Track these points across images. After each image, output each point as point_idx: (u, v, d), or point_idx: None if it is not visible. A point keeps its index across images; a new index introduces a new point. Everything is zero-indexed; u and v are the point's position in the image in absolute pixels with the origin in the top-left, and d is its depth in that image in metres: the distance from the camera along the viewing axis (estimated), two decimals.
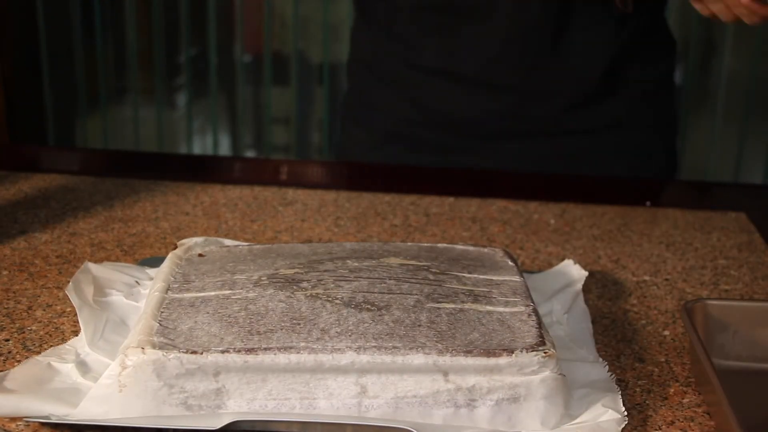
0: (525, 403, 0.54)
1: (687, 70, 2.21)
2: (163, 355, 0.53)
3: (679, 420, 0.57)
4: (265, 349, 0.54)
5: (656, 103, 1.13)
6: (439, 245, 0.71)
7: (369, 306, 0.58)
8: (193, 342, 0.55)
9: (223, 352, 0.54)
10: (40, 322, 0.67)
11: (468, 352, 0.54)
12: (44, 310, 0.68)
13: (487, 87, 1.06)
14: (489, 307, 0.60)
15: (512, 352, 0.54)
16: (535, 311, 0.60)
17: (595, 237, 0.87)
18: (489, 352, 0.54)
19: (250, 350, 0.54)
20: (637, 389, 0.61)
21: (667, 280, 0.78)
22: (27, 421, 0.54)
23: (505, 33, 1.03)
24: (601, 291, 0.75)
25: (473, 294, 0.61)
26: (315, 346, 0.54)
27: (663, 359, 0.65)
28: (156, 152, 2.24)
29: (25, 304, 0.70)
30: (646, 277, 0.79)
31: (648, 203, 0.83)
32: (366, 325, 0.56)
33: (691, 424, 0.57)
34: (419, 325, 0.56)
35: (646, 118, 1.12)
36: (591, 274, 0.71)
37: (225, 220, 0.88)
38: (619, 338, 0.68)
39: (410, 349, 0.54)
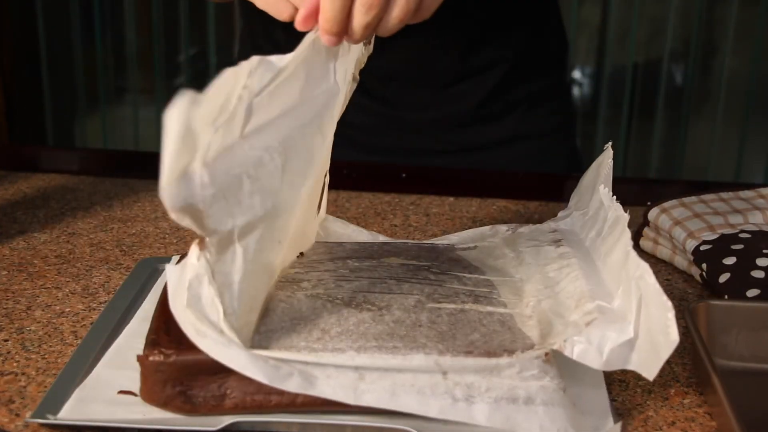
0: (524, 406, 0.53)
1: (687, 70, 2.21)
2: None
3: (680, 420, 0.57)
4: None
5: (547, 112, 1.13)
6: (440, 245, 0.71)
7: (369, 306, 0.58)
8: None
9: None
10: (39, 322, 0.66)
11: (468, 353, 0.53)
12: (43, 310, 0.68)
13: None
14: (490, 308, 0.59)
15: (513, 353, 0.53)
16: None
17: None
18: (489, 353, 0.53)
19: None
20: (638, 389, 0.61)
21: (667, 280, 0.78)
22: (26, 422, 0.54)
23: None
24: None
25: (474, 294, 0.61)
26: (315, 346, 0.54)
27: None
28: (156, 152, 2.24)
29: (24, 304, 0.69)
30: None
31: (648, 203, 0.83)
32: (366, 325, 0.56)
33: (692, 424, 0.57)
34: (420, 325, 0.56)
35: (540, 129, 1.12)
36: None
37: None
38: None
39: (411, 349, 0.53)
